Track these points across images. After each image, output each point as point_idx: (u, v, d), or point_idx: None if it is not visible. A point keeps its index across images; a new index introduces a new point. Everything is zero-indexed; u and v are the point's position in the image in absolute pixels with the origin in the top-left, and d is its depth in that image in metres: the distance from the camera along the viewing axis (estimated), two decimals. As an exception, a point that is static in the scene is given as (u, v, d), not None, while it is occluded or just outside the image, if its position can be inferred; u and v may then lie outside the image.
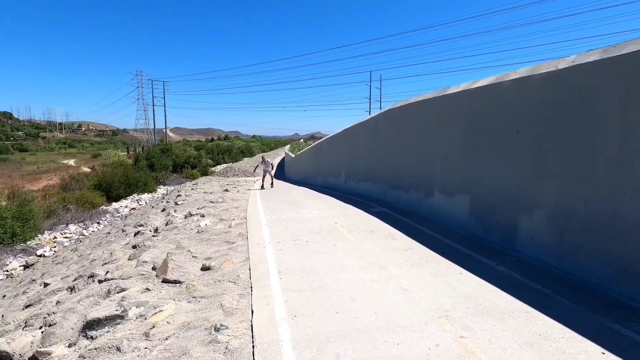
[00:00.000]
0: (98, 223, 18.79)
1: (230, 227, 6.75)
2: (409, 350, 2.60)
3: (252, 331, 2.93)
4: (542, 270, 4.13)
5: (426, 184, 7.42)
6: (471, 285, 3.77)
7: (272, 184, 14.92)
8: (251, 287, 3.83)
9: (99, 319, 3.24)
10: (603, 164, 3.67)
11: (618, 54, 3.54)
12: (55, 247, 14.04)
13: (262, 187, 14.64)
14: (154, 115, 78.97)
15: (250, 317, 3.17)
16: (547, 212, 4.35)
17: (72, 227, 17.68)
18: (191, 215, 8.35)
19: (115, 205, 25.17)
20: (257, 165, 15.47)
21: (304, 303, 3.42)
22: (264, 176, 15.07)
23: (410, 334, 2.82)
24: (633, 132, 3.39)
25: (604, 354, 2.52)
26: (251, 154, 71.43)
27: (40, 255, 12.67)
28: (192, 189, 17.97)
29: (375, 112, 11.46)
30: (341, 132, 13.60)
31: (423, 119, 7.59)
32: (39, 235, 15.71)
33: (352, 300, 3.45)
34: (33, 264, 11.51)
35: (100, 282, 4.60)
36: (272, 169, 14.99)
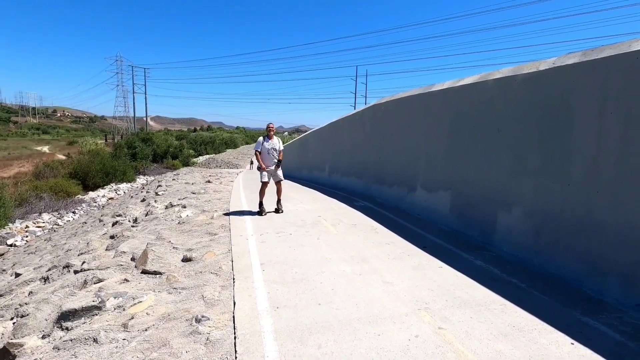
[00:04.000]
0: (74, 212, 18.20)
1: (212, 218, 6.66)
2: (389, 341, 2.65)
3: (234, 322, 2.91)
4: (518, 265, 4.28)
5: (409, 180, 7.52)
6: (450, 278, 3.87)
7: (278, 203, 7.11)
8: (233, 279, 3.80)
9: (75, 309, 3.15)
10: (578, 164, 3.81)
11: (596, 57, 3.67)
12: (27, 236, 13.52)
13: (261, 211, 6.83)
14: (134, 103, 76.45)
15: (232, 308, 3.15)
16: (524, 209, 4.50)
17: (46, 216, 17.05)
18: (172, 205, 8.19)
19: (92, 194, 24.44)
20: (256, 154, 6.86)
21: (287, 295, 3.42)
22: (265, 183, 6.80)
23: (391, 325, 2.88)
24: (607, 133, 3.53)
25: (572, 344, 2.64)
26: (235, 145, 70.45)
27: (10, 245, 12.18)
28: (173, 179, 17.61)
29: (360, 107, 11.49)
30: (327, 126, 13.58)
31: (408, 114, 7.66)
32: (10, 224, 15.09)
33: (334, 293, 3.48)
34: (3, 254, 11.05)
35: (76, 272, 4.47)
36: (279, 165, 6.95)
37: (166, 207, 8.20)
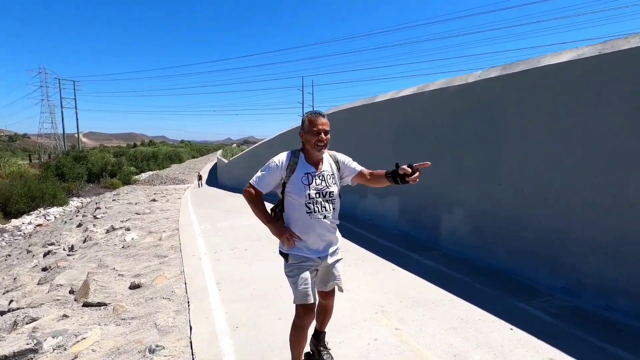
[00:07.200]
0: (-7, 244, 16.08)
1: (160, 239, 6.32)
2: (351, 348, 2.72)
3: (191, 348, 2.80)
4: (463, 261, 4.62)
5: (360, 187, 7.77)
6: (403, 280, 4.07)
7: (320, 344, 2.48)
8: (188, 302, 3.64)
9: (6, 356, 2.80)
10: (507, 168, 4.25)
11: (512, 71, 4.15)
12: None
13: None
14: (62, 119, 69.76)
15: (189, 333, 3.03)
16: (465, 210, 4.89)
17: (-42, 251, 14.86)
18: (114, 229, 7.62)
19: (15, 222, 21.84)
20: (251, 195, 2.21)
21: (246, 313, 3.36)
22: (305, 308, 2.10)
23: (352, 331, 2.96)
24: (527, 138, 3.99)
25: (512, 329, 2.93)
26: (180, 160, 67.40)
27: None
28: (114, 200, 16.37)
29: (309, 118, 11.67)
30: (277, 137, 13.59)
31: (355, 124, 7.96)
32: None
33: (295, 305, 3.49)
34: None
35: (2, 313, 3.98)
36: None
37: (107, 231, 7.61)
